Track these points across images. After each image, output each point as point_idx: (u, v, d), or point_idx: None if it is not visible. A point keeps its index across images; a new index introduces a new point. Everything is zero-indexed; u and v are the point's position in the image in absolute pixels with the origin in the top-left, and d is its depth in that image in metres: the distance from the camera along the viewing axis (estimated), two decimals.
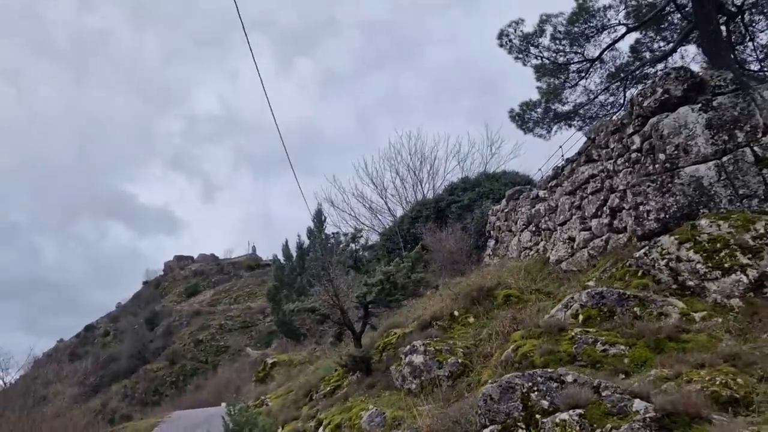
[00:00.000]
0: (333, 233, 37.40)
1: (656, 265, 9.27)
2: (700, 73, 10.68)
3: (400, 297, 12.20)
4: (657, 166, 10.31)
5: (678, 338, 7.96)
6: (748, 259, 8.52)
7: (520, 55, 15.02)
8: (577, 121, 15.58)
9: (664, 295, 9.05)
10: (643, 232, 10.13)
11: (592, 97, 15.03)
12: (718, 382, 6.23)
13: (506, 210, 19.08)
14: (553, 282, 12.78)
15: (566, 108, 15.33)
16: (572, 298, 9.64)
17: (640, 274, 9.62)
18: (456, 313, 12.10)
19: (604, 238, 12.05)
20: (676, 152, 10.10)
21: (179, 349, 55.02)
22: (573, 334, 8.75)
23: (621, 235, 11.52)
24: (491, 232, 21.32)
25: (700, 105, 10.20)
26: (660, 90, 10.48)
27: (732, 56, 14.09)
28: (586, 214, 12.87)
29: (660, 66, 14.98)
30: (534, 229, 15.77)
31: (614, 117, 13.58)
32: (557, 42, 14.33)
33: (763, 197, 9.46)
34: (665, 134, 10.25)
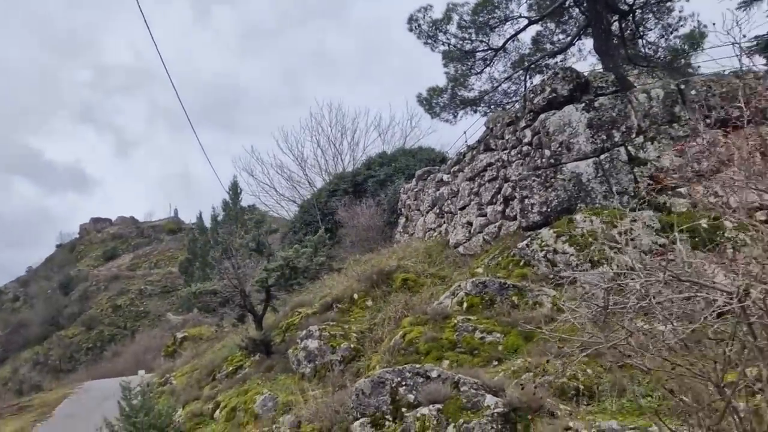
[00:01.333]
0: (249, 206, 37.03)
1: (536, 256, 9.94)
2: (586, 74, 11.34)
3: (301, 280, 12.46)
4: (543, 161, 10.95)
5: (542, 329, 8.64)
6: (614, 252, 9.29)
7: (429, 41, 15.33)
8: (483, 107, 16.14)
9: (541, 285, 9.76)
10: (527, 224, 10.78)
11: (496, 84, 15.59)
12: (568, 374, 6.87)
13: (416, 189, 19.58)
14: (449, 266, 13.39)
15: (472, 94, 15.82)
16: (459, 286, 10.20)
17: (522, 263, 10.30)
18: (356, 296, 12.50)
19: (497, 224, 12.71)
20: (559, 149, 10.75)
21: (96, 315, 53.22)
22: (456, 321, 9.32)
23: (512, 223, 12.19)
24: (402, 209, 21.84)
25: (583, 105, 10.86)
26: (548, 89, 11.07)
27: (624, 53, 14.92)
28: (483, 200, 13.48)
29: (560, 57, 15.69)
30: (438, 211, 16.34)
31: (510, 109, 14.19)
32: (464, 30, 14.71)
33: (633, 194, 10.28)
34: (551, 131, 10.87)
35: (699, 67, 15.66)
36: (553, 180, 10.63)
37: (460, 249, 13.91)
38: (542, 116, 11.13)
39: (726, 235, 9.25)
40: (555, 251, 9.74)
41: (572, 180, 10.50)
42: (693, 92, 10.63)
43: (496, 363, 8.48)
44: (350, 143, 37.15)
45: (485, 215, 13.29)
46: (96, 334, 50.98)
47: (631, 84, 12.62)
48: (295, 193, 38.54)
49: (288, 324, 13.48)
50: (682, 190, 10.11)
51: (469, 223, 14.06)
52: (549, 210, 10.53)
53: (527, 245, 10.20)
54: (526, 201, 10.81)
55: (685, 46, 15.01)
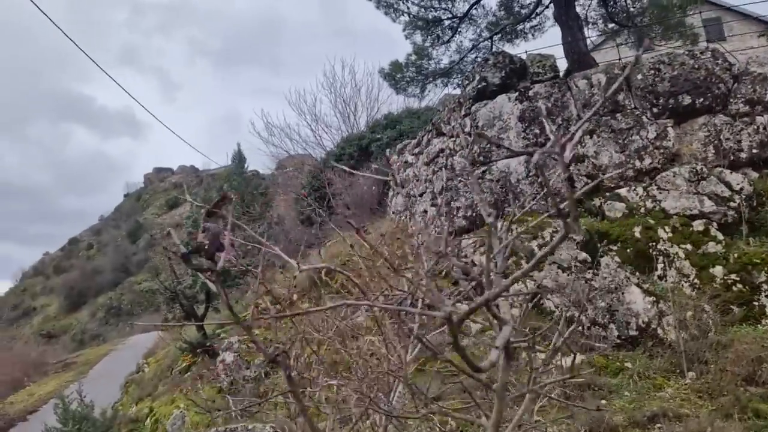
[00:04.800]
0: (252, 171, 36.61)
1: (453, 267, 9.11)
2: (523, 57, 10.13)
3: (238, 282, 12.06)
4: (469, 159, 9.96)
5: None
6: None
7: (389, 11, 14.15)
8: (454, 78, 14.96)
9: (457, 301, 8.98)
10: (453, 229, 9.92)
11: (463, 55, 14.34)
12: None
13: (397, 164, 18.70)
14: (398, 260, 12.68)
15: (440, 66, 14.65)
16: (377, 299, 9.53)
17: (444, 274, 9.51)
18: (295, 297, 11.99)
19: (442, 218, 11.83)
20: (488, 145, 9.73)
21: (160, 263, 55.38)
22: (360, 343, 8.72)
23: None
24: (391, 183, 21.03)
25: (517, 94, 9.73)
26: (478, 77, 9.96)
27: (605, 11, 13.37)
28: (436, 189, 12.58)
29: (535, 22, 14.21)
30: (405, 194, 15.49)
31: (457, 93, 13.02)
32: None
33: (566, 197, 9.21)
34: (480, 125, 9.84)
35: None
36: (480, 181, 9.66)
37: (415, 240, 13.12)
38: (474, 107, 10.08)
39: (659, 247, 8.19)
40: (473, 263, 8.90)
41: (501, 180, 9.52)
42: (639, 77, 9.32)
43: None
44: (365, 103, 35.94)
45: (436, 206, 12.42)
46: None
47: (591, 62, 11.26)
48: (308, 157, 37.94)
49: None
50: (621, 191, 9.01)
51: (425, 212, 13.22)
52: (474, 215, 9.64)
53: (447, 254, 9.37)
54: (452, 204, 9.92)
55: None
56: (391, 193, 21.40)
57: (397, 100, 34.89)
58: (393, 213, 16.51)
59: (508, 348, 1.60)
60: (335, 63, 54.85)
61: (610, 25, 14.12)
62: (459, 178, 9.84)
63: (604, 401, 6.26)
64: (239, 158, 29.34)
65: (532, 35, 14.59)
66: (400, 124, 27.97)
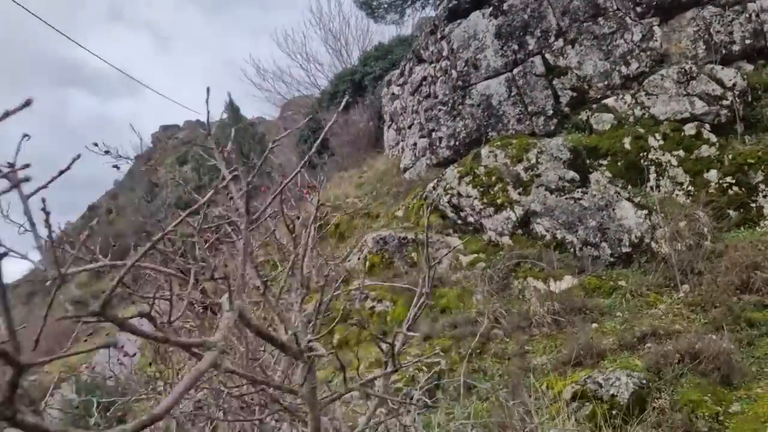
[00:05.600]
0: (256, 119, 36.06)
1: (441, 201, 8.84)
2: None
3: None
4: (450, 84, 9.49)
5: (435, 293, 7.78)
6: (518, 194, 8.08)
7: None
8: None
9: (447, 234, 8.76)
10: (437, 161, 9.58)
11: None
12: (410, 374, 6.11)
13: (387, 96, 18.10)
14: (392, 198, 12.39)
15: None
16: (365, 241, 9.34)
17: (432, 208, 9.23)
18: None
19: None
20: (466, 68, 9.23)
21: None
22: (350, 287, 8.59)
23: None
24: (384, 117, 20.45)
25: (491, 9, 9.12)
26: None
27: None
28: (423, 119, 12.13)
29: None
30: (396, 127, 15.03)
31: (433, 15, 12.30)
32: None
33: (550, 113, 8.78)
34: (455, 48, 9.30)
35: None
36: (460, 107, 9.22)
37: (406, 175, 12.79)
38: (447, 28, 9.50)
39: (650, 156, 7.79)
40: (459, 194, 8.60)
41: (482, 104, 9.06)
42: None
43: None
44: (356, 35, 34.78)
45: (426, 136, 12.00)
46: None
47: None
48: (302, 100, 37.14)
49: None
50: (609, 101, 8.53)
51: (415, 145, 12.82)
52: (457, 143, 9.25)
53: (434, 187, 9.07)
54: (434, 134, 9.52)
55: None
56: (386, 128, 20.90)
57: (390, 29, 33.64)
58: (388, 148, 16.10)
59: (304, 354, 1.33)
60: None
61: None
62: (439, 107, 9.39)
63: (595, 324, 6.07)
64: (231, 107, 28.80)
65: None
66: (391, 53, 26.98)
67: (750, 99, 7.74)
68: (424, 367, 6.08)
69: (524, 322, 6.37)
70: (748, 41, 8.25)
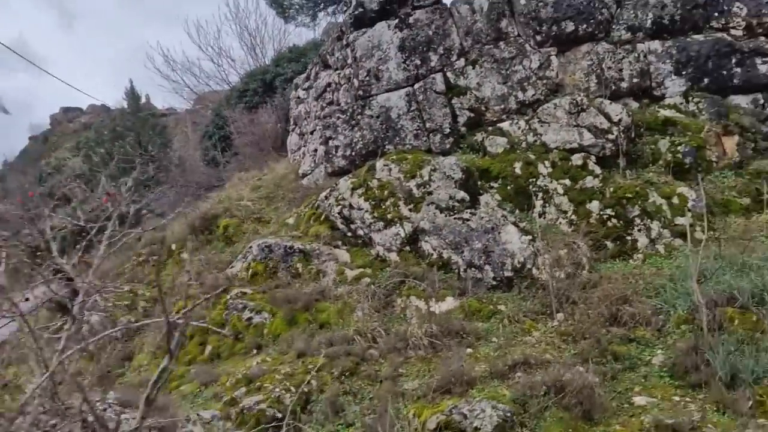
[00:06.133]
0: (166, 107, 34.55)
1: (333, 211, 8.56)
2: None
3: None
4: (351, 93, 9.27)
5: (316, 308, 7.48)
6: (409, 210, 7.95)
7: None
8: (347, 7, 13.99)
9: (335, 245, 8.49)
10: (333, 170, 9.32)
11: None
12: (276, 394, 5.75)
13: (294, 99, 17.69)
14: (289, 203, 12.00)
15: None
16: (250, 248, 8.90)
17: (322, 218, 8.94)
18: (173, 246, 11.19)
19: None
20: (368, 78, 9.05)
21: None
22: (229, 296, 8.14)
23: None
24: (291, 119, 20.01)
25: (397, 21, 9.00)
26: (354, 2, 9.13)
27: None
28: (321, 126, 11.84)
29: None
30: (299, 132, 14.67)
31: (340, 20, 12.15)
32: None
33: (448, 132, 8.75)
34: (359, 56, 9.10)
35: None
36: (360, 117, 9.02)
37: (304, 181, 12.45)
38: (352, 36, 9.29)
39: (539, 183, 7.89)
40: (351, 206, 8.36)
41: (381, 116, 8.90)
42: (522, 2, 8.77)
43: (255, 352, 7.41)
44: (272, 35, 34.02)
45: (323, 144, 11.71)
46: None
47: None
48: (212, 93, 35.91)
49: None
50: (504, 125, 8.60)
51: (315, 151, 12.51)
52: (354, 154, 9.04)
53: (326, 197, 8.79)
54: (331, 143, 9.26)
55: None
56: (290, 132, 20.43)
57: (308, 32, 33.15)
58: (290, 152, 15.66)
59: None
60: None
61: None
62: (338, 115, 9.14)
63: (470, 349, 5.99)
64: (132, 95, 27.22)
65: None
66: (305, 56, 26.49)
67: (633, 135, 8.04)
68: (292, 387, 5.75)
69: (401, 344, 6.19)
70: (635, 80, 8.60)
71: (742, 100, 8.46)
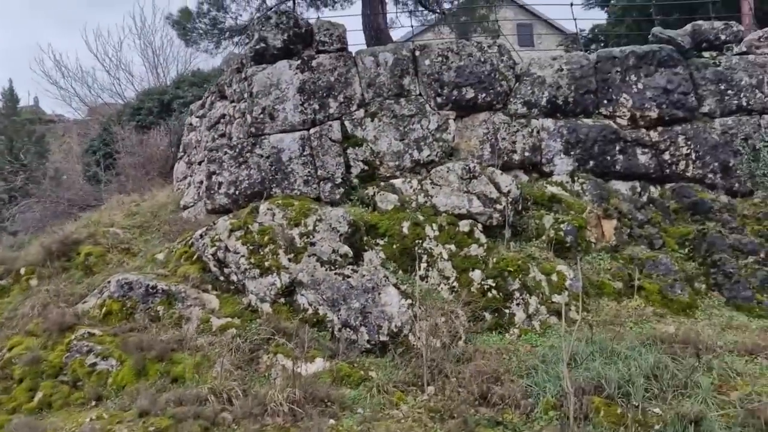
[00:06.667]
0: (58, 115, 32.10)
1: (207, 251, 7.91)
2: (311, 22, 9.12)
3: None
4: (244, 128, 8.79)
5: (171, 358, 6.76)
6: (289, 260, 7.47)
7: None
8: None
9: (204, 290, 7.82)
10: (213, 207, 8.70)
11: (264, 11, 13.03)
12: None
13: (188, 125, 16.87)
14: (164, 236, 11.13)
15: (238, 22, 13.23)
16: (108, 282, 8.02)
17: (194, 258, 8.26)
18: (23, 270, 9.96)
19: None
20: (262, 116, 8.62)
21: None
22: (74, 336, 7.22)
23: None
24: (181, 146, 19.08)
25: (299, 62, 8.70)
26: (257, 36, 8.75)
27: None
28: (206, 159, 11.18)
29: None
30: (188, 161, 13.89)
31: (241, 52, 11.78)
32: None
33: (339, 182, 8.45)
34: (255, 92, 8.67)
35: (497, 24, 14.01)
36: (249, 155, 8.53)
37: (185, 213, 11.66)
38: (251, 70, 8.87)
39: (425, 245, 7.70)
40: (227, 249, 7.76)
41: (271, 157, 8.47)
42: (427, 62, 8.78)
43: (94, 404, 6.53)
44: (177, 55, 32.79)
45: (207, 178, 11.04)
46: None
47: (388, 40, 10.61)
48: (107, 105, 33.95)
49: None
50: (396, 182, 8.42)
51: (201, 184, 11.80)
52: (238, 193, 8.50)
53: (201, 235, 8.13)
54: (214, 178, 8.68)
55: None
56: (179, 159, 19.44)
57: (217, 59, 32.26)
58: (176, 181, 14.75)
59: None
60: (144, 5, 49.41)
61: (420, 8, 13.73)
62: (225, 149, 8.60)
63: (332, 421, 5.53)
64: (11, 96, 24.97)
65: (341, 5, 13.73)
66: (209, 82, 25.65)
67: (520, 208, 8.11)
68: None
69: (258, 408, 5.63)
70: (527, 154, 8.77)
71: (622, 186, 8.84)
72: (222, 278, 7.79)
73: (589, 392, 5.27)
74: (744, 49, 9.43)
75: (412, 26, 14.55)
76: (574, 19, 26.80)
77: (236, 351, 6.75)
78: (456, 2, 14.29)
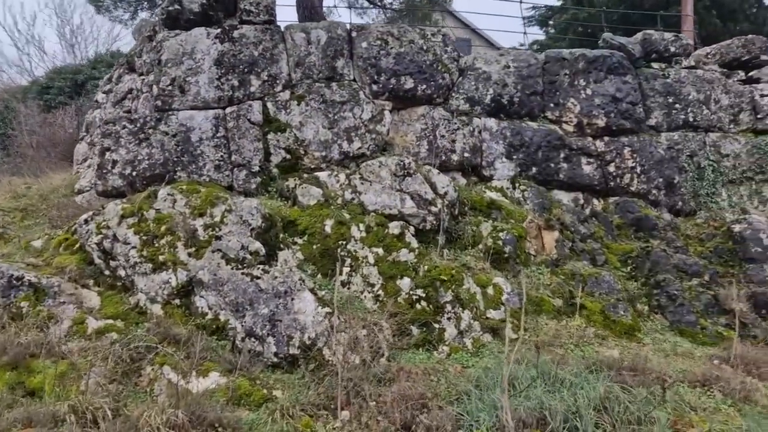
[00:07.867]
0: None
1: (91, 240, 6.66)
2: None
3: None
4: (151, 103, 7.60)
5: (28, 366, 5.50)
6: (189, 255, 6.35)
7: None
8: None
9: (84, 285, 6.57)
10: (104, 189, 7.43)
11: None
12: None
13: (93, 103, 15.30)
14: (49, 222, 9.68)
15: None
16: None
17: (76, 247, 6.99)
18: None
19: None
20: (171, 87, 7.46)
21: None
22: None
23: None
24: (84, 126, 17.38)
25: (219, 31, 7.61)
26: None
27: None
28: (100, 133, 9.85)
29: None
30: (90, 140, 12.41)
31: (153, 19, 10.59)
32: None
33: (256, 170, 7.41)
34: (164, 60, 7.51)
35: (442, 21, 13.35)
36: (151, 131, 7.34)
37: (79, 198, 10.24)
38: (161, 35, 7.70)
39: (349, 247, 6.76)
40: (115, 237, 6.55)
41: (178, 136, 7.32)
42: (364, 45, 7.90)
43: None
44: (97, 36, 30.71)
45: (99, 155, 9.71)
46: None
47: (321, 16, 9.66)
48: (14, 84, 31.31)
49: None
50: (322, 174, 7.46)
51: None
52: (135, 174, 7.28)
53: (86, 221, 6.87)
54: (108, 155, 7.42)
55: None
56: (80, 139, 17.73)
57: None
58: (76, 163, 13.19)
59: None
60: None
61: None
62: (124, 123, 7.38)
63: None
64: None
65: None
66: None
67: (457, 212, 7.34)
68: None
69: None
70: (467, 154, 8.02)
71: (564, 197, 8.25)
72: (107, 272, 6.57)
73: (531, 425, 4.48)
74: (693, 63, 9.10)
75: (350, 19, 13.71)
76: (524, 33, 26.71)
77: (114, 360, 5.57)
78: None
